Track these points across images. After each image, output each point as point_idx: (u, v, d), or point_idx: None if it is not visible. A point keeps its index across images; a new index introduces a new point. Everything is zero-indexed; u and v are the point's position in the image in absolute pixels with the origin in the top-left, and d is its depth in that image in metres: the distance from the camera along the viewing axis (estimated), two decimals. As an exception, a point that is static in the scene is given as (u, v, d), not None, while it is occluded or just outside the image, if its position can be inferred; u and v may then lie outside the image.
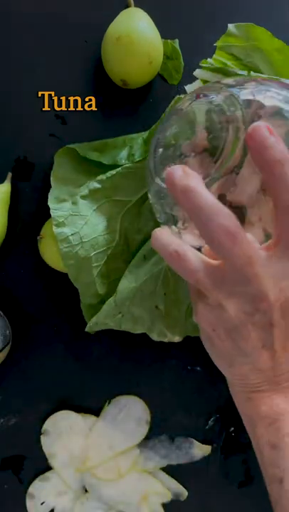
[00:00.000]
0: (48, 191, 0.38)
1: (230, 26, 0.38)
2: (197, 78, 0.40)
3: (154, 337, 0.41)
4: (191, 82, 0.42)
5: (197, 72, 0.40)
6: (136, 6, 0.43)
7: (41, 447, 0.43)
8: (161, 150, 0.31)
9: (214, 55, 0.39)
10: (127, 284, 0.39)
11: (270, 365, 0.29)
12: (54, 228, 0.37)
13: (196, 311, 0.31)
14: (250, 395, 0.31)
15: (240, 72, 0.37)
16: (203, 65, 0.39)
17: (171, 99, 0.39)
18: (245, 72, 0.36)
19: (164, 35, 0.42)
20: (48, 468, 0.43)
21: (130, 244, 0.41)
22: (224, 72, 0.37)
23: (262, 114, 0.28)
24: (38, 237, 0.41)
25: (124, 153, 0.40)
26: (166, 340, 0.42)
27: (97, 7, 0.45)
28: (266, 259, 0.27)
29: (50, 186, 0.44)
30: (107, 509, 0.43)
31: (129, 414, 0.44)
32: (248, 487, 0.45)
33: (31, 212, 0.44)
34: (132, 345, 0.44)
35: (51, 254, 0.41)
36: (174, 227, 0.31)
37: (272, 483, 0.30)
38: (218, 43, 0.38)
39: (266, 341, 0.28)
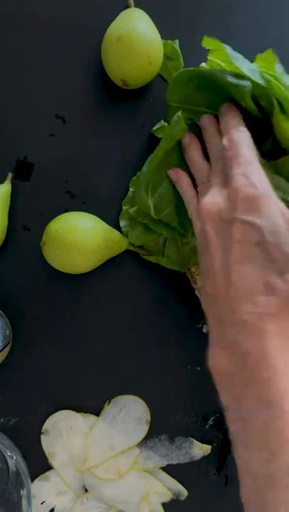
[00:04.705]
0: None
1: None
2: None
3: None
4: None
5: None
6: (136, 6, 0.43)
7: (41, 447, 0.43)
8: None
9: (209, 57, 0.38)
10: None
11: None
12: None
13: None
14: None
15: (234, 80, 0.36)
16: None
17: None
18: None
19: (164, 35, 0.42)
20: (48, 468, 0.43)
21: None
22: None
23: None
24: (40, 244, 0.41)
25: None
26: None
27: (97, 7, 0.45)
28: None
29: (49, 186, 0.44)
30: (107, 509, 0.43)
31: (129, 414, 0.44)
32: (247, 487, 0.45)
33: (31, 212, 0.44)
34: (132, 344, 0.44)
35: (55, 257, 0.41)
36: None
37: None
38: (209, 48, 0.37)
39: None
